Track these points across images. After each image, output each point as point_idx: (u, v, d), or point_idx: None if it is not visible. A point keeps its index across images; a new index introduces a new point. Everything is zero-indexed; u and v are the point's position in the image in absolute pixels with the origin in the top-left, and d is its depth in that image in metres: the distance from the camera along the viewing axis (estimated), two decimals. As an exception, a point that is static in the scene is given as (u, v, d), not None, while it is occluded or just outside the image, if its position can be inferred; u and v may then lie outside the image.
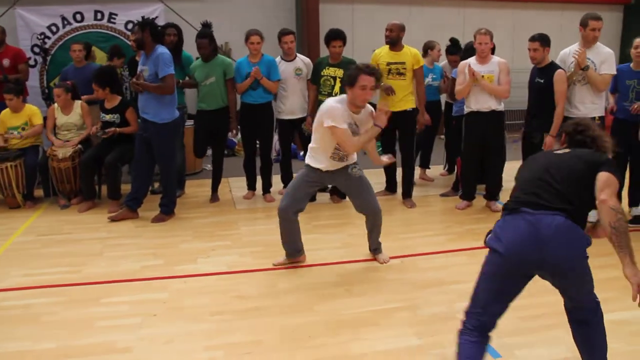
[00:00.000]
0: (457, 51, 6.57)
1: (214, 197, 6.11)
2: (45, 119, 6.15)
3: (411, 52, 5.68)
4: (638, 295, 2.25)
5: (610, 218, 2.31)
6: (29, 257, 4.49)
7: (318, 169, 3.98)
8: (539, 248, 2.33)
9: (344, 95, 3.89)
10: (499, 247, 2.41)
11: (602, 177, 2.43)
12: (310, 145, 4.06)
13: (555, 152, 2.71)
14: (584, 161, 2.53)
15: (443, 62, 6.91)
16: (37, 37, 8.14)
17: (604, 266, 3.92)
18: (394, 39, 5.63)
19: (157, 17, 7.98)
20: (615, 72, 5.02)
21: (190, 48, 6.24)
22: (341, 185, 4.30)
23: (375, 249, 4.35)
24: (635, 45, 4.98)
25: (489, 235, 2.52)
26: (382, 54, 5.73)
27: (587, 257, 2.40)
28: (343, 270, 4.18)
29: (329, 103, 3.83)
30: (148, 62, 5.06)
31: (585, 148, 2.67)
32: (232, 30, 8.27)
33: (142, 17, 5.18)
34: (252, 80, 5.69)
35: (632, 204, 5.26)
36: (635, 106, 4.93)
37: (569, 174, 2.49)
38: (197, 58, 5.95)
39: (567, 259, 2.34)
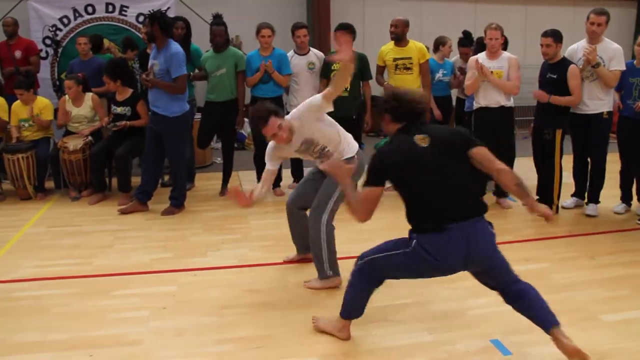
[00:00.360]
0: (469, 44, 6.55)
1: (224, 190, 6.11)
2: (56, 110, 6.18)
3: (417, 46, 5.67)
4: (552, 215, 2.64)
5: (513, 179, 2.63)
6: (40, 248, 4.52)
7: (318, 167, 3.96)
8: (467, 251, 2.58)
9: None
10: (430, 260, 2.61)
11: (482, 151, 2.68)
12: None
13: (421, 145, 2.66)
14: (452, 145, 2.68)
15: (454, 57, 6.88)
16: (49, 29, 8.16)
17: (607, 265, 3.89)
18: (399, 34, 5.63)
19: (168, 8, 7.98)
20: (624, 68, 4.98)
21: (199, 41, 6.23)
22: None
23: (320, 270, 3.81)
24: (639, 42, 4.94)
25: (414, 242, 2.65)
26: (388, 50, 5.75)
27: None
28: (351, 265, 4.15)
29: None
30: (159, 57, 5.06)
31: (415, 117, 2.76)
32: (243, 23, 8.27)
33: (150, 11, 5.18)
34: (263, 74, 5.67)
35: (643, 201, 5.23)
36: None
37: (457, 167, 2.65)
38: (206, 51, 5.95)
39: (491, 257, 2.66)
